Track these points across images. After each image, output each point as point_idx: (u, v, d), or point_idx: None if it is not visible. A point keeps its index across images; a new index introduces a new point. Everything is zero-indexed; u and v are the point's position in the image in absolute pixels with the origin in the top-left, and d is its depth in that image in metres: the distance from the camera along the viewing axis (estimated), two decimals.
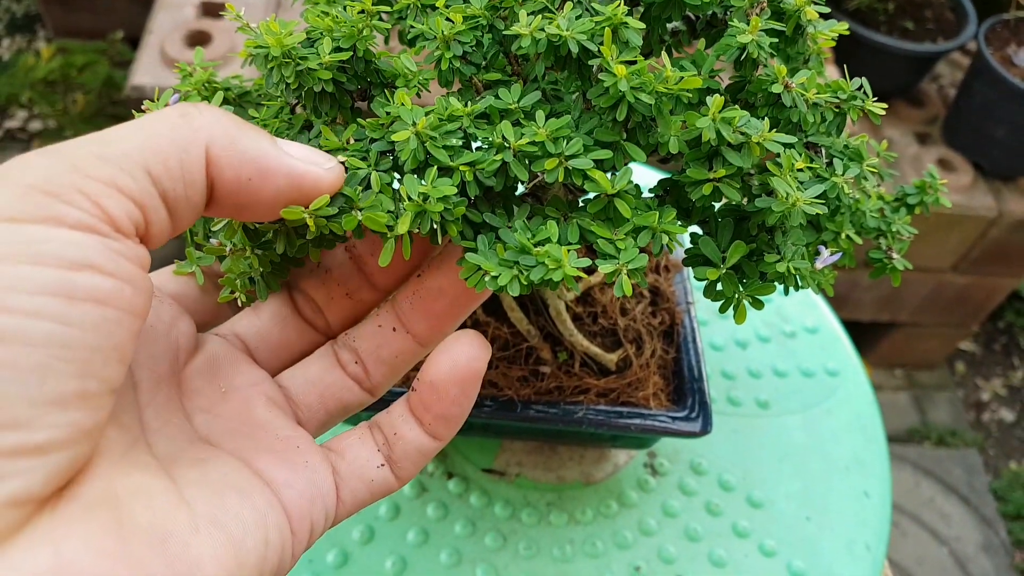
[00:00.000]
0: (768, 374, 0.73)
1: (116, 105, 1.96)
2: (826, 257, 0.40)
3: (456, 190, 0.34)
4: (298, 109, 0.43)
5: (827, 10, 0.41)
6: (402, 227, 0.33)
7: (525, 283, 0.34)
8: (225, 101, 0.46)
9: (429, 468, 0.63)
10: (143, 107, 0.38)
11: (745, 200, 0.38)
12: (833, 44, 0.44)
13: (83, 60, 1.94)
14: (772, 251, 0.39)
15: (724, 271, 0.38)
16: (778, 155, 0.36)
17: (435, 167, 0.35)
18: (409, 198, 0.34)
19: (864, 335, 2.12)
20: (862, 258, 0.51)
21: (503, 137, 0.35)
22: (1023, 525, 1.88)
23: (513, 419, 0.55)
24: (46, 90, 1.94)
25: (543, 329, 0.58)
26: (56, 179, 0.26)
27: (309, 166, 0.33)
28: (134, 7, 2.10)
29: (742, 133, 0.35)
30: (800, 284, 0.39)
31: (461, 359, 0.38)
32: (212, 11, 1.39)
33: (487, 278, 0.35)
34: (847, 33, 0.42)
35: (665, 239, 0.36)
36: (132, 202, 0.28)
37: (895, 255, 0.50)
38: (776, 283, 0.39)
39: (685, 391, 0.58)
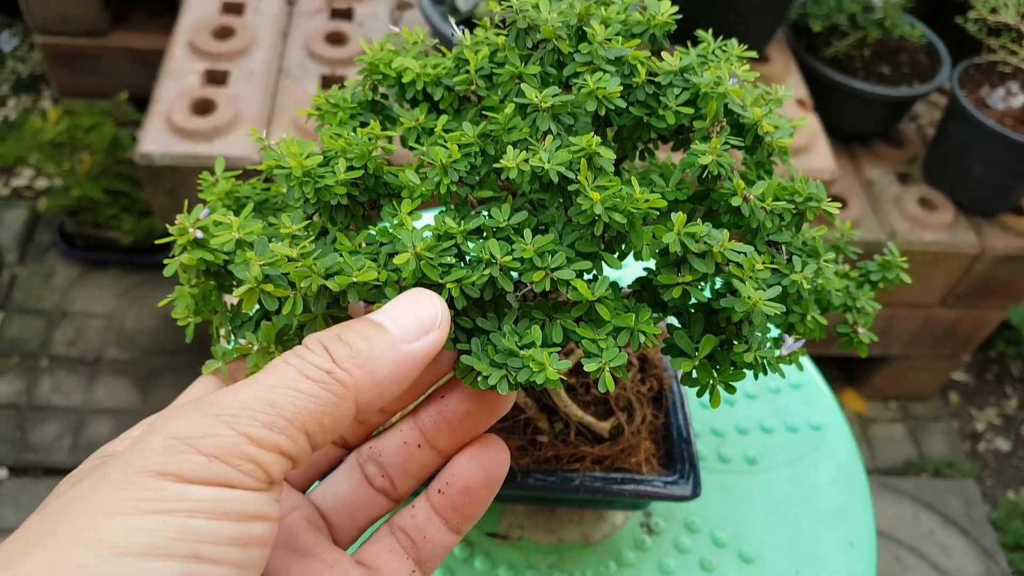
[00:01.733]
0: (755, 430, 0.77)
1: (121, 164, 2.02)
2: (790, 344, 0.45)
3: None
4: (315, 217, 0.48)
5: (782, 124, 0.46)
6: None
7: (513, 383, 0.39)
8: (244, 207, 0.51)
9: None
10: (168, 228, 0.43)
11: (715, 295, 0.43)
12: (792, 141, 0.49)
13: (89, 122, 1.99)
14: (740, 341, 0.43)
15: (698, 362, 0.43)
16: (740, 259, 0.40)
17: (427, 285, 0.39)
18: None
19: (857, 369, 2.16)
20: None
21: (491, 254, 0.40)
22: (1023, 555, 1.90)
23: (515, 488, 0.59)
24: (53, 151, 1.99)
25: (539, 400, 0.62)
26: (231, 449, 0.32)
27: (422, 344, 0.37)
28: (137, 67, 2.16)
29: (705, 243, 0.40)
30: (768, 371, 0.44)
31: (491, 466, 0.42)
32: (216, 79, 1.44)
33: (479, 378, 0.39)
34: (805, 127, 0.46)
35: (642, 338, 0.41)
36: (290, 460, 0.34)
37: (860, 329, 0.54)
38: (745, 370, 0.43)
39: (675, 455, 0.62)
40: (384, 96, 0.50)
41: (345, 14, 1.60)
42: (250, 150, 1.33)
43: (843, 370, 2.20)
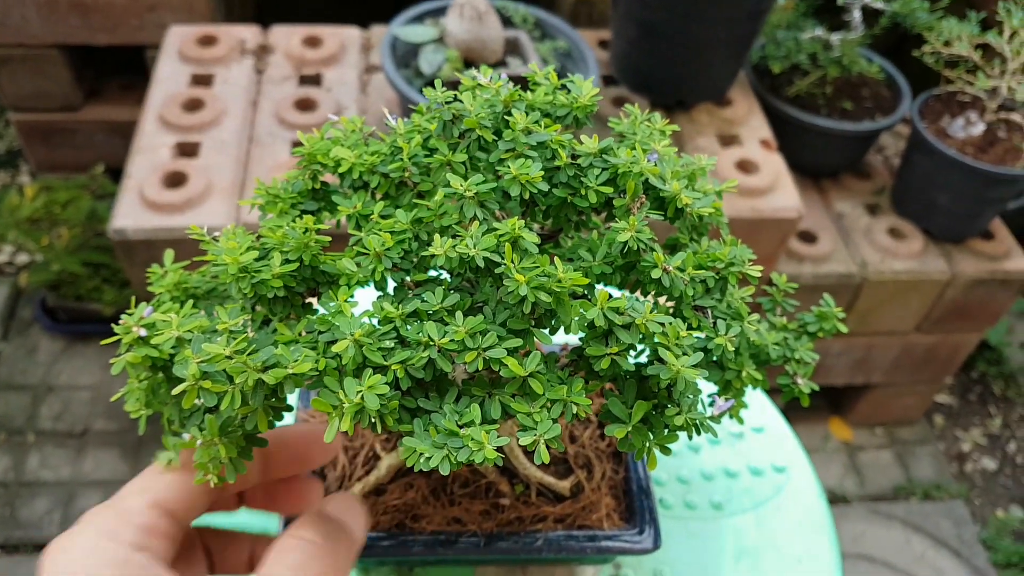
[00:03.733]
0: (720, 476, 0.78)
1: (100, 236, 2.04)
2: (721, 404, 0.46)
3: (388, 388, 0.40)
4: (257, 307, 0.49)
5: (707, 192, 0.48)
6: (344, 425, 0.39)
7: (454, 463, 0.40)
8: (193, 297, 0.53)
9: None
10: (113, 327, 0.44)
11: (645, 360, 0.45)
12: (720, 204, 0.51)
13: (66, 196, 2.02)
14: (672, 405, 0.45)
15: (631, 427, 0.44)
16: (663, 328, 0.42)
17: (371, 368, 0.41)
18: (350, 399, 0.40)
19: (841, 397, 2.18)
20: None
21: (429, 336, 0.41)
22: (1015, 573, 1.90)
23: (480, 552, 0.60)
24: (31, 228, 2.01)
25: (499, 464, 0.63)
26: None
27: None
28: (113, 139, 2.20)
29: (629, 315, 0.41)
30: (700, 431, 0.45)
31: None
32: (187, 151, 1.47)
33: (422, 459, 0.41)
34: (720, 205, 0.49)
35: (575, 408, 0.42)
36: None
37: (800, 380, 0.56)
38: (679, 432, 0.45)
39: (635, 509, 0.64)
40: (325, 183, 0.52)
41: (314, 80, 1.64)
42: (223, 220, 1.35)
43: (828, 400, 2.21)
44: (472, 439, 0.40)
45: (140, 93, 2.11)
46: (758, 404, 0.85)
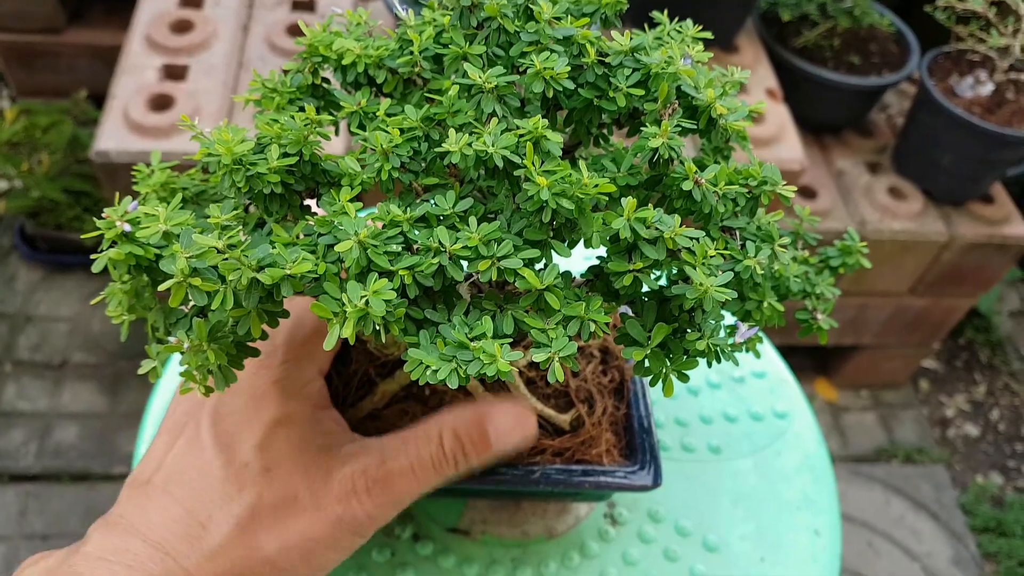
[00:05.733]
0: (719, 419, 0.76)
1: (81, 164, 1.98)
2: (744, 332, 0.44)
3: (395, 295, 0.37)
4: (251, 208, 0.46)
5: (738, 106, 0.44)
6: (346, 331, 0.36)
7: (463, 376, 0.37)
8: (183, 201, 0.49)
9: (397, 531, 0.66)
10: (95, 221, 0.41)
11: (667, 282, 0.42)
12: (750, 124, 0.48)
13: (47, 121, 1.95)
14: (693, 329, 0.42)
15: (650, 350, 0.41)
16: (692, 245, 0.39)
17: (376, 272, 0.37)
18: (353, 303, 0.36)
19: (829, 358, 2.17)
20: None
21: (439, 242, 0.38)
22: (991, 538, 1.92)
23: (476, 483, 0.58)
24: (10, 152, 1.94)
25: (498, 394, 0.60)
26: None
27: None
28: (97, 64, 2.12)
29: (656, 229, 0.38)
30: (721, 358, 0.43)
31: None
32: (174, 74, 1.41)
33: (428, 372, 0.37)
34: (763, 112, 0.45)
35: (592, 326, 0.39)
36: None
37: (820, 316, 0.53)
38: (699, 358, 0.42)
39: (636, 446, 0.61)
40: (326, 80, 0.48)
41: (307, 6, 1.58)
42: None
43: (815, 360, 2.21)
44: (484, 351, 0.37)
45: (125, 18, 2.02)
46: (760, 349, 0.83)
